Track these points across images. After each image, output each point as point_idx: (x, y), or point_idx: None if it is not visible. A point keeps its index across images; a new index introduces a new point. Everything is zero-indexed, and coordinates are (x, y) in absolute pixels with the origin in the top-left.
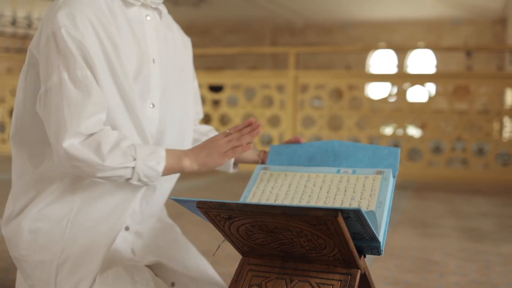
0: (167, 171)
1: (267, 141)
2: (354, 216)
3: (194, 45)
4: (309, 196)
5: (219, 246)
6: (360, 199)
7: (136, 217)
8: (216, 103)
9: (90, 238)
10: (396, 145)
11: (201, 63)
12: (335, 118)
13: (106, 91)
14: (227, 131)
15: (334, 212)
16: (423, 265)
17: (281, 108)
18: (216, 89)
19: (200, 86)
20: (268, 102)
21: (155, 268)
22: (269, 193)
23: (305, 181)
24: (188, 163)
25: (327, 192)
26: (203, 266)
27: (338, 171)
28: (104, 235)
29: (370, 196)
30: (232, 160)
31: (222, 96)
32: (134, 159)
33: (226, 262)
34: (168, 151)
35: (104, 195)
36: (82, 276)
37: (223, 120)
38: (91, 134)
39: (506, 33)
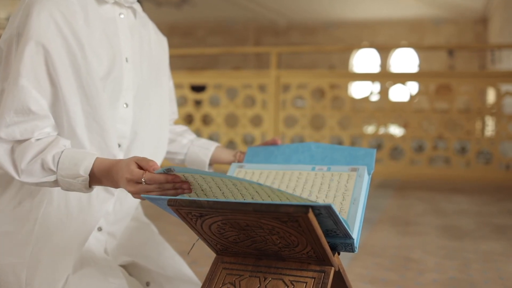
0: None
1: (250, 141)
2: (326, 213)
3: (177, 46)
4: (284, 189)
5: (193, 244)
6: (335, 195)
7: (109, 218)
8: (198, 103)
9: (61, 238)
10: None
11: (184, 64)
12: (317, 117)
13: (67, 93)
14: (142, 179)
15: (304, 208)
16: (402, 263)
17: (263, 108)
18: (198, 89)
19: (182, 86)
20: (250, 102)
21: (129, 268)
22: None
23: (280, 178)
24: (111, 186)
25: (302, 189)
26: (179, 265)
27: (313, 169)
28: (75, 236)
29: (345, 192)
30: (207, 160)
31: (204, 96)
32: (54, 173)
33: (204, 262)
34: (98, 164)
35: (72, 195)
36: (54, 277)
37: (206, 120)
38: (21, 141)
39: (487, 32)
